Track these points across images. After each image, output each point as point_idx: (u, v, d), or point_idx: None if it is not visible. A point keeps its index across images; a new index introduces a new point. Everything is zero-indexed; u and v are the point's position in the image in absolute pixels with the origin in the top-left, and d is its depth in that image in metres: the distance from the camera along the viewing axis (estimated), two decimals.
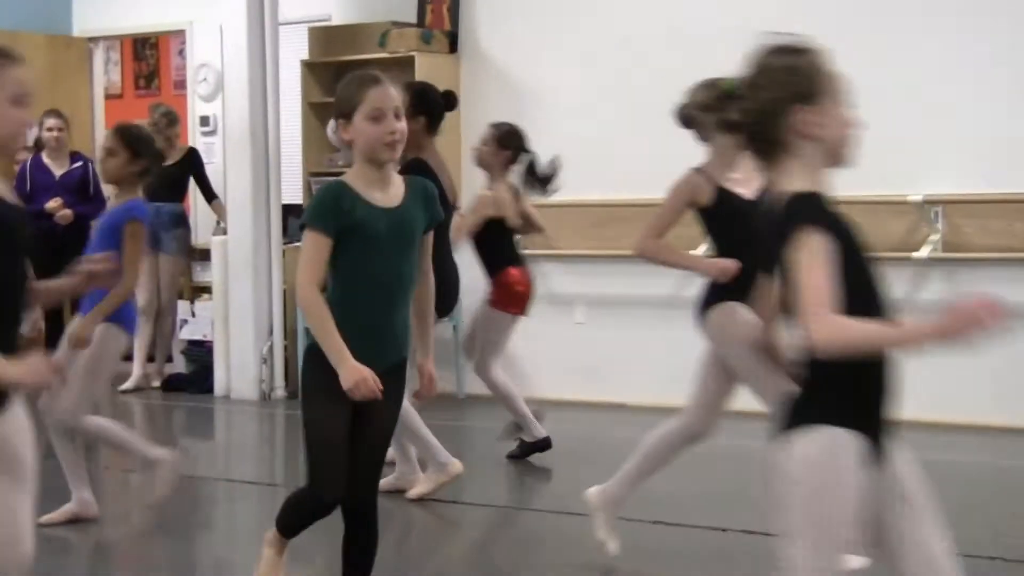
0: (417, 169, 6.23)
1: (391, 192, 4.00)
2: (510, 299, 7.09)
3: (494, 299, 7.17)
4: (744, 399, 8.72)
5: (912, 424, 8.15)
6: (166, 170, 9.88)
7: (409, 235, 3.99)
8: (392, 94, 4.03)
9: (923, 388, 8.29)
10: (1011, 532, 5.75)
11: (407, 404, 6.28)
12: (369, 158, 3.97)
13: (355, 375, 3.82)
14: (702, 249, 7.70)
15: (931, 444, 7.75)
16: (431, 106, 6.29)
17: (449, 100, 6.43)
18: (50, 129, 10.20)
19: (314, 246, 3.94)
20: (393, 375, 3.99)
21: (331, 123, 4.18)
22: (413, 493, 6.39)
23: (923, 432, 8.05)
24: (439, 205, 4.08)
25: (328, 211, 3.94)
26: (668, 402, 8.88)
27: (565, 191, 9.36)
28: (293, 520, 4.29)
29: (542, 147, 9.48)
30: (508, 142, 7.24)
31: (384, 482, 6.49)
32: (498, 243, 7.16)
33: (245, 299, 9.86)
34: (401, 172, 6.24)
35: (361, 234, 3.92)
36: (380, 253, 3.94)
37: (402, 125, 3.98)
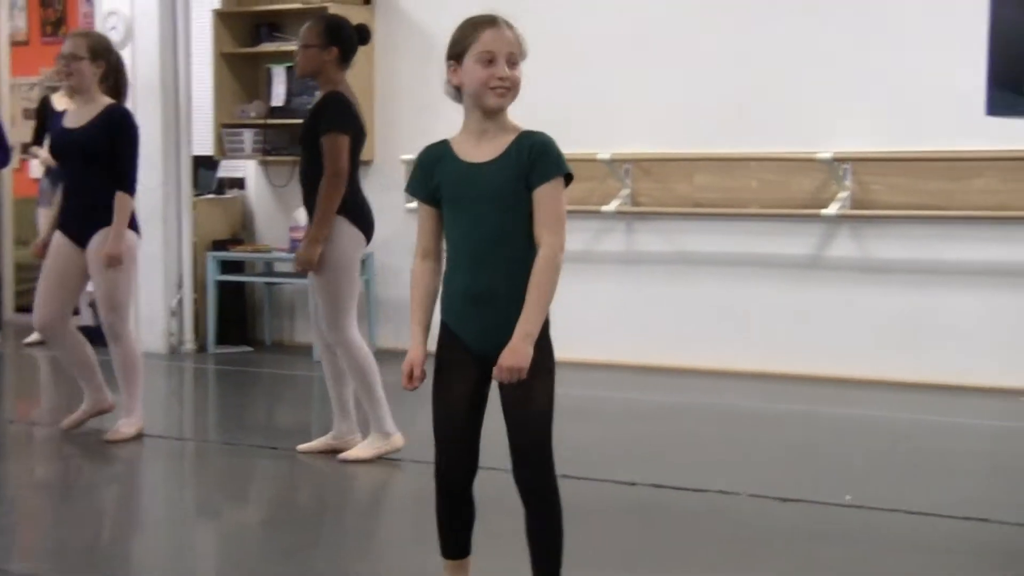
0: (336, 102, 6.16)
1: (492, 146, 3.66)
2: None
3: None
4: (652, 355, 8.83)
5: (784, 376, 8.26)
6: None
7: (493, 192, 3.59)
8: (508, 38, 3.69)
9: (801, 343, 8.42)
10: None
11: (368, 361, 6.21)
12: (476, 103, 3.71)
13: (405, 364, 3.66)
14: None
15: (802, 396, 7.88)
16: (344, 38, 6.21)
17: (362, 34, 6.34)
18: None
19: (419, 213, 3.76)
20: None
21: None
22: (349, 455, 6.25)
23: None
24: (553, 161, 3.59)
25: (418, 175, 3.75)
26: (579, 358, 8.97)
27: None
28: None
29: (454, 102, 9.47)
30: None
31: (318, 442, 6.45)
32: None
33: (154, 251, 9.76)
34: (318, 105, 6.21)
35: (445, 195, 3.67)
36: (464, 213, 3.63)
37: (516, 74, 3.66)
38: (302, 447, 6.40)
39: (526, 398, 3.60)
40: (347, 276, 6.12)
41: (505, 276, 3.60)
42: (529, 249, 3.59)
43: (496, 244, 3.60)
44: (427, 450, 5.81)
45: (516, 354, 3.54)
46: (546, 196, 3.58)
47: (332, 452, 6.33)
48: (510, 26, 3.73)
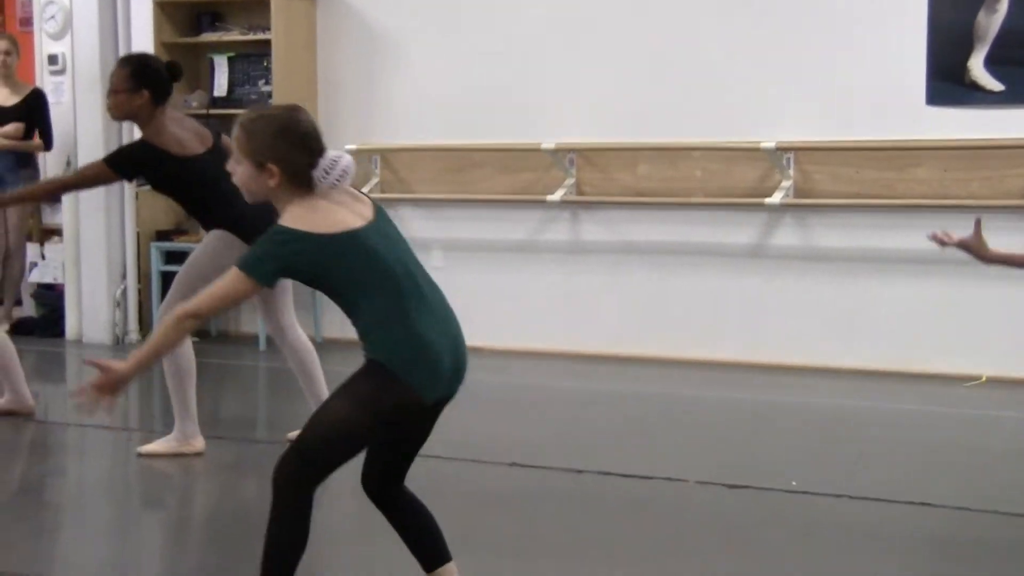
0: (143, 151, 6.11)
1: None
2: None
3: None
4: (596, 344, 8.86)
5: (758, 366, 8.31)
6: (11, 109, 9.65)
7: None
8: None
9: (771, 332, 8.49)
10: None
11: (189, 364, 6.14)
12: None
13: None
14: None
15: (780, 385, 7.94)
16: (153, 79, 6.06)
17: (173, 71, 6.17)
18: None
19: None
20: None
21: None
22: (145, 448, 6.26)
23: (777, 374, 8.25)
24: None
25: None
26: (523, 346, 8.99)
27: (421, 136, 9.37)
28: None
29: (396, 91, 9.47)
30: None
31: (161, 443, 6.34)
32: None
33: (97, 242, 9.70)
34: (125, 156, 6.19)
35: None
36: None
37: (237, 171, 3.74)
38: None
39: (323, 405, 3.69)
40: (210, 278, 5.99)
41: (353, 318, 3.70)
42: (353, 316, 3.65)
43: None
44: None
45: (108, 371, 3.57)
46: None
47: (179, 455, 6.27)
48: (239, 125, 3.73)
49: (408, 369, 3.59)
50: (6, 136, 9.60)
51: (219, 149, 5.93)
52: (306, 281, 3.68)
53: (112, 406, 3.57)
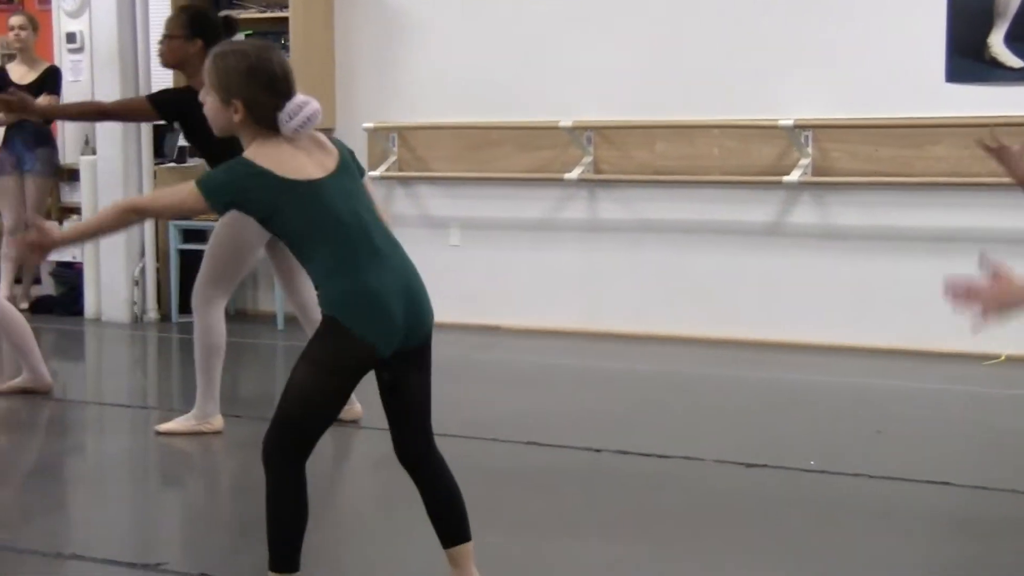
0: (188, 96, 6.07)
1: None
2: None
3: None
4: (614, 323, 8.85)
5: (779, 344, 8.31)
6: (28, 87, 9.66)
7: None
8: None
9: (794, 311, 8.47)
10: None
11: (219, 342, 6.16)
12: None
13: None
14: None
15: (797, 364, 7.93)
16: (208, 29, 6.07)
17: (228, 24, 6.22)
18: None
19: None
20: None
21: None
22: (163, 426, 6.27)
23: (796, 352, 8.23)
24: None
25: None
26: (541, 324, 8.98)
27: (439, 114, 9.36)
28: None
29: (413, 69, 9.45)
30: None
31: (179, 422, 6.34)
32: None
33: None
34: (169, 97, 6.21)
35: None
36: None
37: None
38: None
39: (291, 373, 3.67)
40: (237, 253, 6.05)
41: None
42: (305, 264, 3.68)
43: None
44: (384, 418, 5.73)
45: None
46: None
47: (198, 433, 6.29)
48: (211, 57, 3.84)
49: (358, 321, 3.59)
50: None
51: None
52: (260, 220, 3.68)
53: (40, 262, 3.87)
